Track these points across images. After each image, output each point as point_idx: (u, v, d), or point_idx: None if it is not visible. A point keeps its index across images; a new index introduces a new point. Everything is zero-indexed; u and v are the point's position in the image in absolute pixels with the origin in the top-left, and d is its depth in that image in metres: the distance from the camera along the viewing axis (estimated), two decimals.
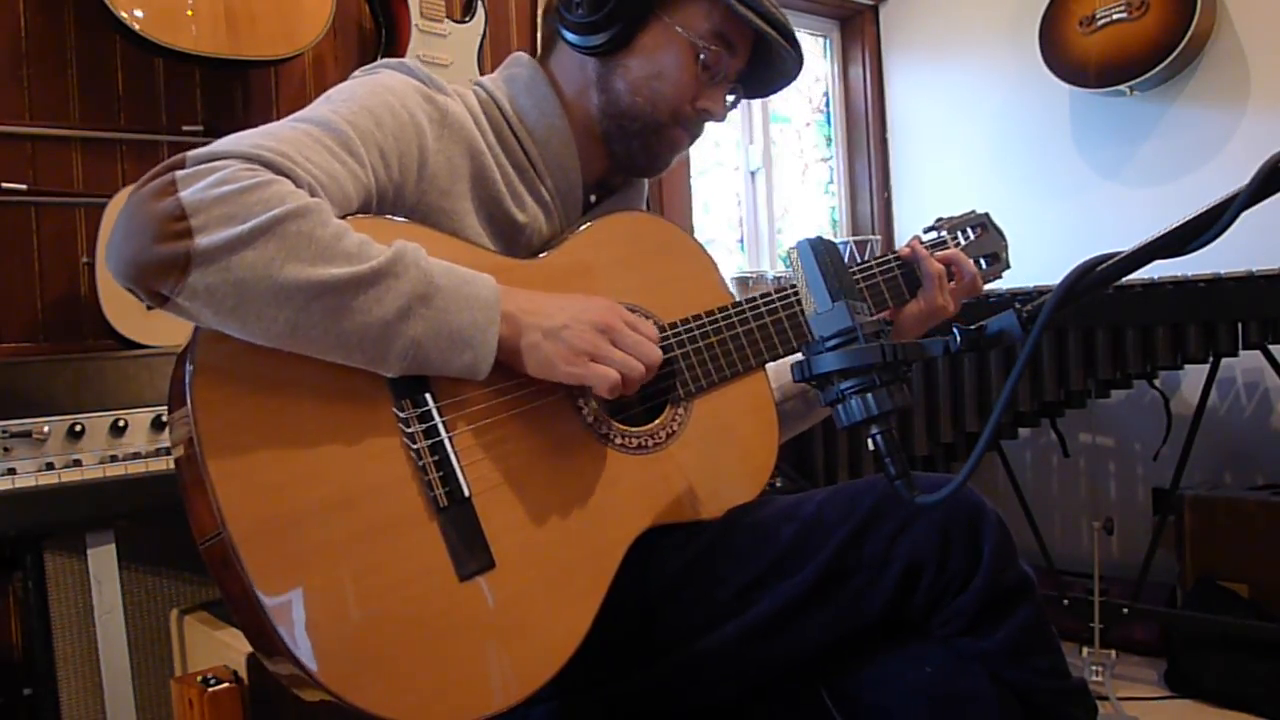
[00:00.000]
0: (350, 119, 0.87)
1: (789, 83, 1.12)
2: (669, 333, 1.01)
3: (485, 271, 0.87)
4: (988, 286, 1.19)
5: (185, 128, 1.89)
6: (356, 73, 0.98)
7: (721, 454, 1.02)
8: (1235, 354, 2.09)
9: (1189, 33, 2.47)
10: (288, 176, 0.79)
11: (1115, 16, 2.61)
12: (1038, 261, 1.96)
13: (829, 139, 3.46)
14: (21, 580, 1.49)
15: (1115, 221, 2.82)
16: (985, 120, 3.13)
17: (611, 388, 0.87)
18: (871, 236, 3.29)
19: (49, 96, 1.75)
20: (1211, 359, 2.13)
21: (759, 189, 3.20)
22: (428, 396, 0.84)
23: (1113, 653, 2.16)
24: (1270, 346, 2.09)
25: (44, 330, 1.74)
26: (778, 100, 3.25)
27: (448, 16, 2.12)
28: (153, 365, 1.56)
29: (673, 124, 1.05)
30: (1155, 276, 2.07)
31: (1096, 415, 2.85)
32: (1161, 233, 0.69)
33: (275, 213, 0.75)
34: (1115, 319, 2.15)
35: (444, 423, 0.84)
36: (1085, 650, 2.17)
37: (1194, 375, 2.47)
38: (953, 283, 1.17)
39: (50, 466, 1.41)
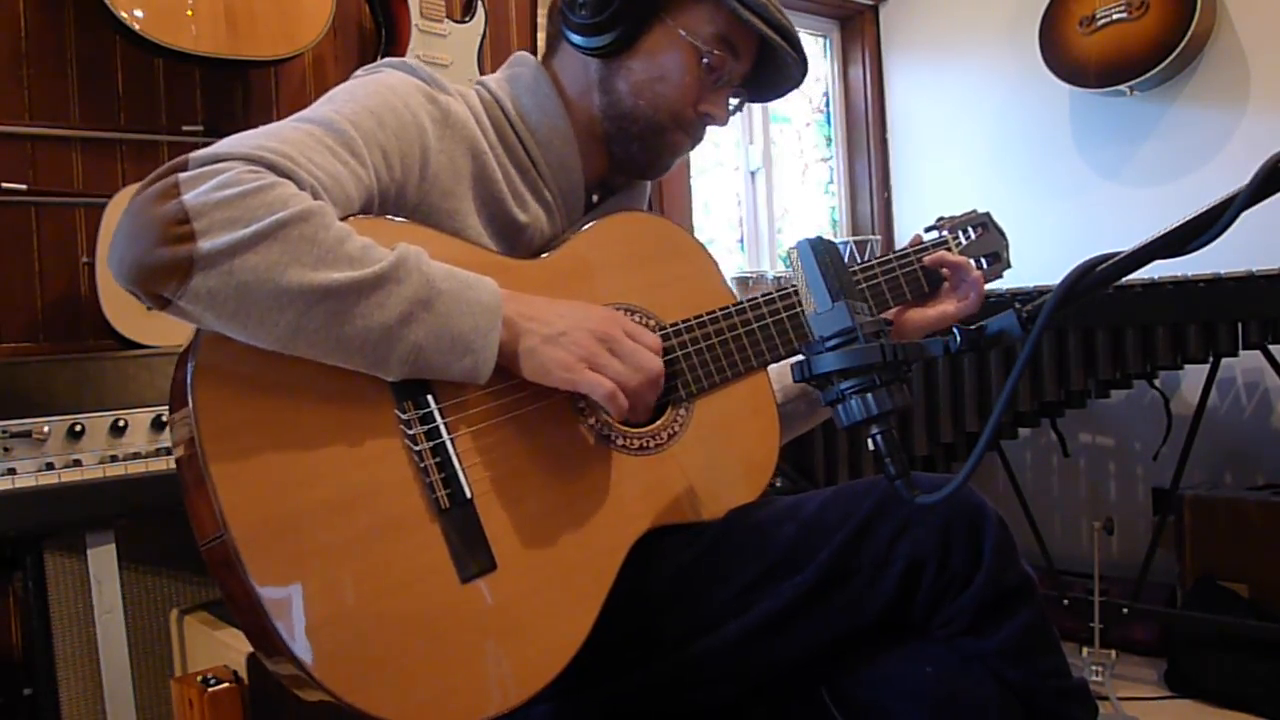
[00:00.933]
0: (352, 119, 0.87)
1: (793, 88, 1.11)
2: (670, 333, 1.01)
3: (486, 271, 0.86)
4: (988, 286, 1.19)
5: (185, 128, 1.89)
6: (358, 72, 0.98)
7: (723, 455, 1.02)
8: (1235, 354, 2.09)
9: (1189, 33, 2.47)
10: (290, 178, 0.79)
11: (1115, 16, 2.61)
12: (1038, 261, 1.96)
13: (829, 139, 3.46)
14: (21, 580, 1.49)
15: (1115, 222, 2.82)
16: (985, 120, 3.13)
17: (606, 396, 0.86)
18: (871, 236, 3.29)
19: (49, 96, 1.75)
20: (1211, 359, 2.13)
21: (759, 189, 3.20)
22: (429, 398, 0.84)
23: (1113, 653, 2.16)
24: (1270, 346, 2.09)
25: (44, 330, 1.74)
26: (778, 101, 3.25)
27: (448, 16, 2.12)
28: (153, 365, 1.56)
29: (674, 127, 1.05)
30: (1155, 276, 2.07)
31: (1096, 415, 2.85)
32: (1161, 233, 0.69)
33: (278, 216, 0.75)
34: (1115, 319, 2.15)
35: (446, 424, 0.84)
36: (1085, 650, 2.17)
37: (1194, 375, 2.46)
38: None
39: (50, 466, 1.41)
